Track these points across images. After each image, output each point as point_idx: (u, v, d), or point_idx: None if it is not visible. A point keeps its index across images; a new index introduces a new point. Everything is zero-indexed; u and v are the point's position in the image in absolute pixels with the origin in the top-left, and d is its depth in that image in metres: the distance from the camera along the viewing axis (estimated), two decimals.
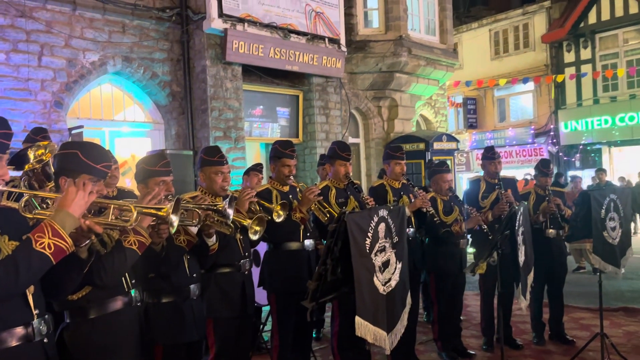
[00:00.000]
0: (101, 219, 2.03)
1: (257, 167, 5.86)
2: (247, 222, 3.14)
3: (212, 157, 3.51)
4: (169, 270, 2.90)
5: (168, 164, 3.05)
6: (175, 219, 2.14)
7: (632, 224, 11.71)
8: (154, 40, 7.92)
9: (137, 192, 3.86)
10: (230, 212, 2.78)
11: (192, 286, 3.06)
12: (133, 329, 2.47)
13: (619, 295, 7.37)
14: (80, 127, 6.99)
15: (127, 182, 7.20)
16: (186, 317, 3.00)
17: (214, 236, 3.06)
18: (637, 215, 12.53)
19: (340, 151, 4.44)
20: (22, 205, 2.00)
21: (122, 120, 8.17)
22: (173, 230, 2.21)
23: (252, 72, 8.60)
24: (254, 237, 3.21)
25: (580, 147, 16.87)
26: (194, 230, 2.88)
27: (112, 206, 2.07)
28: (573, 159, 17.13)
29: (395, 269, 3.00)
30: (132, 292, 2.47)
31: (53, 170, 2.63)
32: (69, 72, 7.13)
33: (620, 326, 5.89)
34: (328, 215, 4.12)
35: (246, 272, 3.57)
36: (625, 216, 4.95)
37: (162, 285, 2.94)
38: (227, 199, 2.79)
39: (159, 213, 2.14)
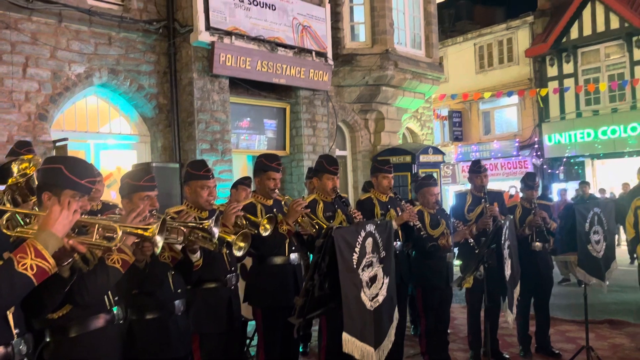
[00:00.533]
0: (85, 239, 1.99)
1: (245, 181, 5.82)
2: (231, 237, 3.11)
3: (198, 171, 3.49)
4: (153, 286, 2.86)
5: (153, 179, 3.02)
6: (160, 240, 2.12)
7: (616, 236, 11.83)
8: (140, 53, 7.89)
9: (121, 205, 3.82)
10: (216, 230, 2.76)
11: (176, 302, 3.01)
12: (115, 347, 2.43)
13: (604, 308, 7.42)
14: (65, 139, 6.91)
15: (113, 194, 7.12)
16: (171, 333, 2.95)
17: (199, 252, 3.02)
18: (621, 227, 12.66)
19: (328, 165, 4.44)
20: (4, 222, 1.96)
21: (108, 133, 8.11)
22: (158, 251, 2.18)
23: (239, 85, 8.60)
24: (238, 254, 3.17)
25: (564, 159, 17.08)
26: (179, 246, 2.85)
27: (97, 225, 2.03)
28: (557, 172, 17.33)
29: (383, 284, 2.99)
30: (115, 309, 2.43)
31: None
32: (54, 84, 7.07)
33: (606, 339, 5.93)
34: (317, 226, 4.10)
35: (232, 287, 3.54)
36: (609, 229, 5.00)
37: (146, 302, 2.89)
38: (214, 217, 2.77)
39: (145, 234, 2.11)
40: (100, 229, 2.03)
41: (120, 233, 2.00)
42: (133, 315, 2.88)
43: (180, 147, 8.10)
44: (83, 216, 2.02)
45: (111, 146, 8.04)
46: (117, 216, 2.49)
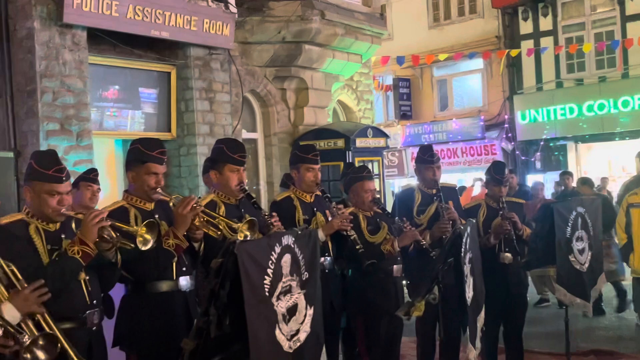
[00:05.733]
0: None
1: (90, 175, 5.71)
2: None
3: (45, 169, 3.37)
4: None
5: None
6: None
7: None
8: None
9: None
10: None
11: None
12: None
13: (590, 334, 7.90)
14: None
15: None
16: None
17: None
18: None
19: (231, 152, 4.42)
20: None
21: None
22: None
23: (103, 39, 8.41)
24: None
25: (542, 143, 17.84)
26: None
27: None
28: (533, 159, 18.10)
29: (305, 316, 3.04)
30: None
31: None
32: None
33: None
34: (220, 231, 4.08)
35: (94, 328, 3.50)
36: (595, 235, 5.31)
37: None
38: None
39: None
40: None
41: None
42: None
43: (16, 128, 7.79)
44: None
45: None
46: None
